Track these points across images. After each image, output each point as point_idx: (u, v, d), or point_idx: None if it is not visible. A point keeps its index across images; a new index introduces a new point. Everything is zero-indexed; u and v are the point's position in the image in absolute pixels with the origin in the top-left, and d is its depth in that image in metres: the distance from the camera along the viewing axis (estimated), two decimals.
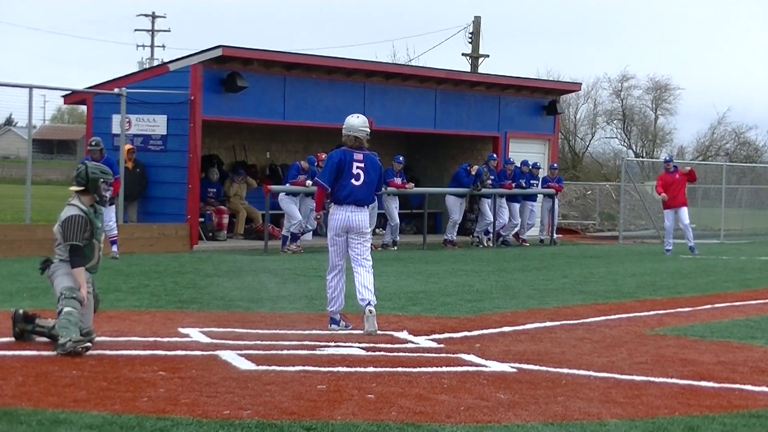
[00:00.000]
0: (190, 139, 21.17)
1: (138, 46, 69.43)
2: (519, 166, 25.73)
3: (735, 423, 7.06)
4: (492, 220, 24.88)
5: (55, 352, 8.56)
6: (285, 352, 9.08)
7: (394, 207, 23.10)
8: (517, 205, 25.67)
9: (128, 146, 21.18)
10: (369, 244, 10.79)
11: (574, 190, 37.67)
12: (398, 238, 23.30)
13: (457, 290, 14.47)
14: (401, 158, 23.49)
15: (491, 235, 25.16)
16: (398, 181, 23.01)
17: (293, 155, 25.43)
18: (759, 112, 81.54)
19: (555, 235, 26.89)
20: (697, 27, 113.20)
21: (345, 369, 8.38)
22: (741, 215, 35.66)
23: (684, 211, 23.25)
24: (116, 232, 17.94)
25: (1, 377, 7.67)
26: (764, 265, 21.17)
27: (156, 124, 21.63)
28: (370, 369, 8.43)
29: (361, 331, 10.32)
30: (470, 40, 41.96)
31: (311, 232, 22.64)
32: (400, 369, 8.47)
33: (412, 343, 9.92)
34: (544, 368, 8.73)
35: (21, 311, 9.20)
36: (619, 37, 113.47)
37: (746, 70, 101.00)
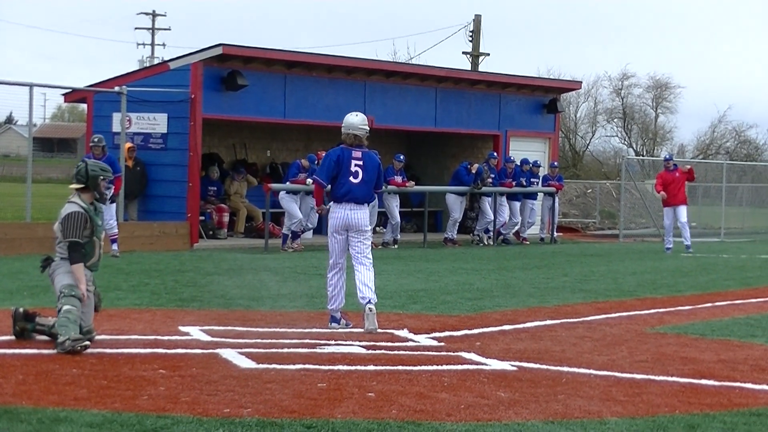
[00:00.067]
0: (191, 138, 21.17)
1: (138, 44, 69.56)
2: (519, 164, 25.72)
3: (735, 421, 7.06)
4: (492, 218, 24.87)
5: (55, 351, 8.57)
6: (285, 350, 9.08)
7: (394, 205, 23.11)
8: (517, 204, 25.67)
9: (129, 144, 21.19)
10: (369, 242, 10.78)
11: (574, 189, 37.68)
12: (399, 236, 23.30)
13: (458, 288, 14.47)
14: (402, 157, 23.49)
15: (491, 233, 25.16)
16: (399, 179, 23.01)
17: (294, 154, 25.43)
18: (759, 110, 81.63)
19: (555, 234, 26.89)
20: (697, 25, 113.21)
21: (345, 367, 8.38)
22: (741, 213, 35.66)
23: (683, 210, 23.24)
24: (117, 230, 17.95)
25: (1, 375, 7.67)
26: (765, 264, 21.17)
27: (156, 123, 21.64)
28: (371, 367, 8.43)
29: (362, 330, 10.32)
30: (471, 39, 41.96)
31: (311, 231, 22.64)
32: (400, 367, 8.47)
33: (413, 341, 9.92)
34: (544, 366, 8.73)
35: (21, 310, 9.20)
36: (620, 35, 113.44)
37: (747, 68, 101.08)
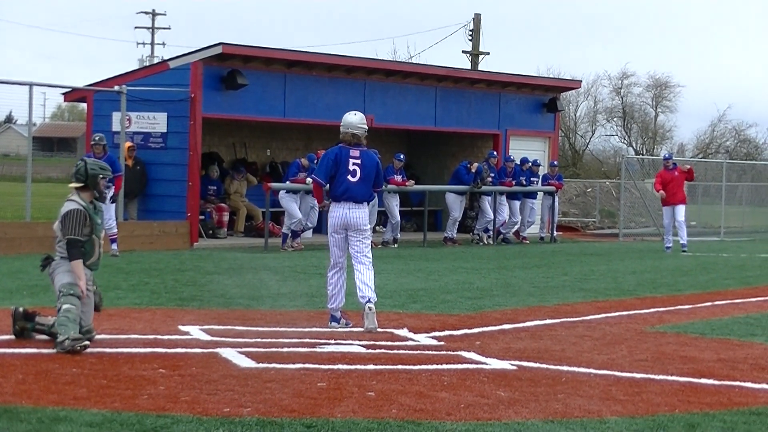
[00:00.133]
0: (191, 137, 21.17)
1: (138, 43, 69.73)
2: (519, 163, 25.72)
3: (735, 420, 7.06)
4: (492, 217, 24.87)
5: (54, 350, 8.56)
6: (285, 349, 9.07)
7: (394, 204, 23.11)
8: (517, 203, 25.66)
9: (128, 144, 21.19)
10: (369, 241, 10.78)
11: (574, 188, 37.69)
12: (399, 235, 23.30)
13: (458, 288, 14.47)
14: (402, 156, 23.49)
15: (491, 232, 25.16)
16: (398, 178, 23.01)
17: (294, 153, 25.42)
18: (759, 109, 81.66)
19: (555, 233, 26.89)
20: (697, 25, 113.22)
21: (345, 366, 8.38)
22: (741, 212, 35.66)
23: (681, 209, 23.24)
24: (116, 230, 17.94)
25: (1, 375, 7.67)
26: (764, 263, 21.17)
27: (156, 122, 21.63)
28: (371, 366, 8.43)
29: (362, 329, 10.32)
30: (470, 38, 41.97)
31: (311, 230, 22.64)
32: (400, 366, 8.47)
33: (413, 340, 9.92)
34: (544, 366, 8.73)
35: (21, 309, 9.20)
36: (620, 34, 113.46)
37: (747, 67, 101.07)
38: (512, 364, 8.73)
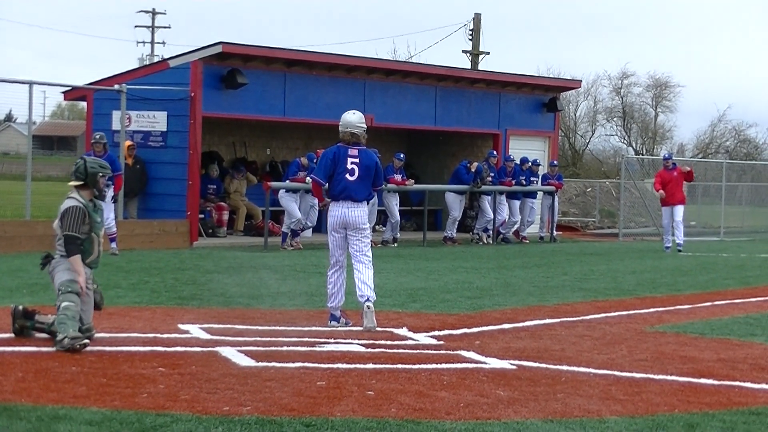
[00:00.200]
0: (191, 136, 21.16)
1: (138, 42, 69.52)
2: (519, 163, 25.71)
3: (734, 420, 7.06)
4: (492, 217, 24.87)
5: (54, 348, 8.57)
6: (285, 348, 9.07)
7: (394, 204, 23.11)
8: (517, 203, 25.66)
9: (128, 143, 21.19)
10: (368, 240, 10.78)
11: (574, 188, 37.68)
12: (398, 234, 23.30)
13: (457, 287, 14.46)
14: (402, 155, 23.50)
15: (491, 232, 25.15)
16: (398, 177, 23.01)
17: (293, 152, 25.42)
18: (759, 109, 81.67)
19: (555, 233, 26.89)
20: (697, 24, 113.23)
21: (345, 366, 8.37)
22: (741, 212, 35.66)
23: (680, 209, 23.24)
24: (115, 229, 17.93)
25: (1, 373, 7.67)
26: (764, 263, 21.17)
27: (156, 121, 21.63)
28: (370, 366, 8.42)
29: (361, 328, 10.32)
30: (470, 37, 41.97)
31: (311, 229, 22.64)
32: (399, 366, 8.47)
33: (412, 339, 9.91)
34: (543, 365, 8.73)
35: (21, 307, 9.21)
36: (620, 34, 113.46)
37: (747, 67, 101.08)
38: (512, 364, 8.73)
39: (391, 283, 14.38)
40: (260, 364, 8.30)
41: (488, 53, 42.08)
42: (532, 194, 26.28)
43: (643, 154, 52.46)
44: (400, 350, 9.28)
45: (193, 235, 20.89)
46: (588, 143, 56.35)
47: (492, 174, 24.75)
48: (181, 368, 8.04)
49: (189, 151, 21.19)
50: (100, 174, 9.15)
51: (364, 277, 10.54)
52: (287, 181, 21.26)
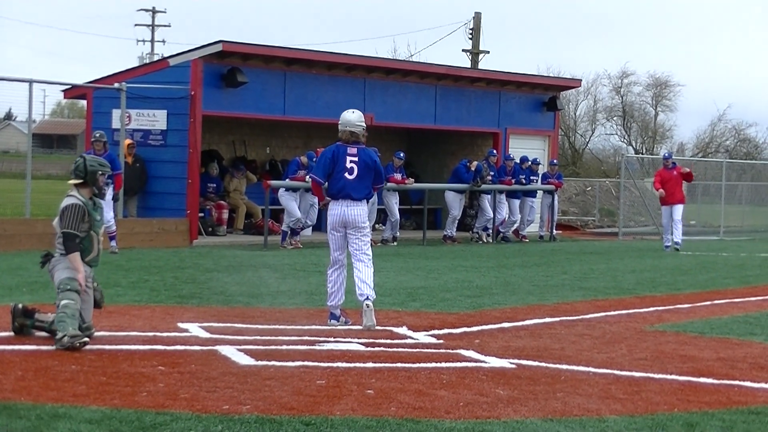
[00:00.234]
0: (190, 135, 21.16)
1: (138, 41, 69.51)
2: (519, 162, 25.71)
3: (734, 419, 7.06)
4: (492, 216, 24.87)
5: (54, 347, 8.56)
6: (284, 347, 9.07)
7: (394, 203, 23.10)
8: (516, 201, 25.66)
9: (128, 141, 21.19)
10: (368, 239, 10.77)
11: (573, 187, 37.69)
12: (398, 233, 23.31)
13: (457, 286, 14.46)
14: (402, 154, 23.50)
15: (490, 231, 25.15)
16: (398, 176, 23.01)
17: (293, 151, 25.42)
18: (759, 109, 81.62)
19: (554, 232, 26.89)
20: (697, 24, 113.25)
21: (344, 364, 8.37)
22: (741, 212, 35.66)
23: (679, 208, 23.25)
24: (115, 227, 17.93)
25: (0, 372, 7.67)
26: (764, 262, 21.17)
27: (156, 119, 21.63)
28: (370, 364, 8.42)
29: (360, 327, 10.32)
30: (470, 36, 41.96)
31: (310, 228, 22.64)
32: (399, 365, 8.47)
33: (412, 338, 9.91)
34: (543, 364, 8.72)
35: (20, 306, 9.20)
36: (620, 33, 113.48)
37: (747, 67, 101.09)
38: (511, 363, 8.73)
39: (391, 282, 14.37)
40: (260, 362, 8.30)
41: (488, 52, 42.09)
42: (532, 193, 26.28)
43: (642, 154, 52.46)
44: (400, 349, 9.28)
45: (193, 233, 20.89)
46: (588, 142, 56.37)
47: (492, 173, 24.75)
48: (180, 367, 8.04)
49: (189, 149, 21.20)
50: (100, 172, 9.15)
51: (364, 276, 10.53)
52: (287, 180, 21.26)
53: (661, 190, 23.19)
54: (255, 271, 15.59)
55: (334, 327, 10.43)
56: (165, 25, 69.75)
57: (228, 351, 8.74)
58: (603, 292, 14.44)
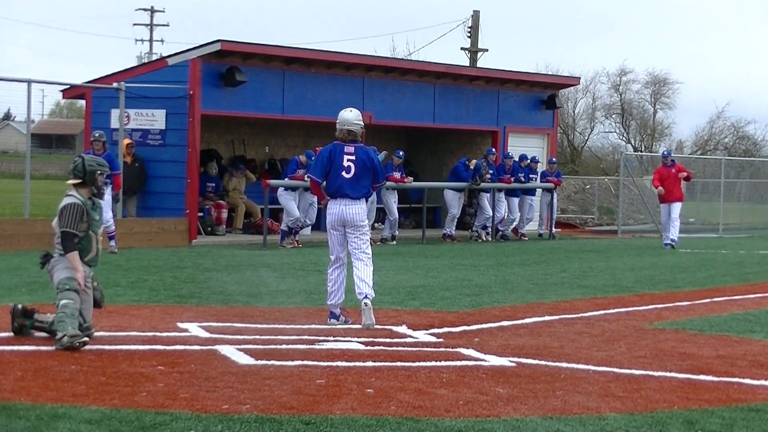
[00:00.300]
0: (189, 134, 21.16)
1: (137, 40, 69.48)
2: (518, 160, 25.71)
3: (734, 417, 7.06)
4: (491, 214, 24.86)
5: (53, 347, 8.56)
6: (284, 346, 9.07)
7: (393, 201, 23.10)
8: (515, 200, 25.66)
9: (127, 141, 21.18)
10: (367, 238, 10.77)
11: (572, 185, 37.68)
12: (397, 232, 23.31)
13: (456, 285, 14.46)
14: (401, 153, 23.49)
15: (489, 229, 25.15)
16: (397, 175, 23.01)
17: (292, 150, 25.41)
18: (758, 106, 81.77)
19: (554, 230, 26.88)
20: (696, 21, 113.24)
21: (344, 363, 8.37)
22: (740, 209, 35.67)
23: (677, 206, 23.26)
24: (114, 227, 17.93)
25: (0, 372, 7.66)
26: (763, 259, 21.18)
27: (155, 119, 21.62)
28: (369, 363, 8.43)
29: (360, 326, 10.32)
30: (469, 35, 41.93)
31: (310, 227, 22.64)
32: (399, 363, 8.47)
33: (411, 337, 9.91)
34: (542, 362, 8.72)
35: (20, 306, 9.20)
36: (618, 31, 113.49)
37: (746, 64, 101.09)
38: (511, 361, 8.73)
39: (390, 281, 14.37)
40: (259, 362, 8.30)
41: (487, 50, 42.00)
42: (531, 191, 26.28)
43: (641, 151, 52.45)
44: (400, 348, 9.28)
45: (192, 233, 20.88)
46: (587, 140, 56.38)
47: (491, 171, 24.75)
48: (180, 366, 8.04)
49: (188, 149, 21.19)
50: (99, 172, 9.15)
51: (363, 275, 10.53)
52: (286, 179, 21.25)
53: (660, 188, 23.20)
54: (254, 271, 15.60)
55: (333, 326, 10.43)
56: (164, 25, 69.67)
57: (227, 350, 8.74)
58: (602, 290, 14.44)
